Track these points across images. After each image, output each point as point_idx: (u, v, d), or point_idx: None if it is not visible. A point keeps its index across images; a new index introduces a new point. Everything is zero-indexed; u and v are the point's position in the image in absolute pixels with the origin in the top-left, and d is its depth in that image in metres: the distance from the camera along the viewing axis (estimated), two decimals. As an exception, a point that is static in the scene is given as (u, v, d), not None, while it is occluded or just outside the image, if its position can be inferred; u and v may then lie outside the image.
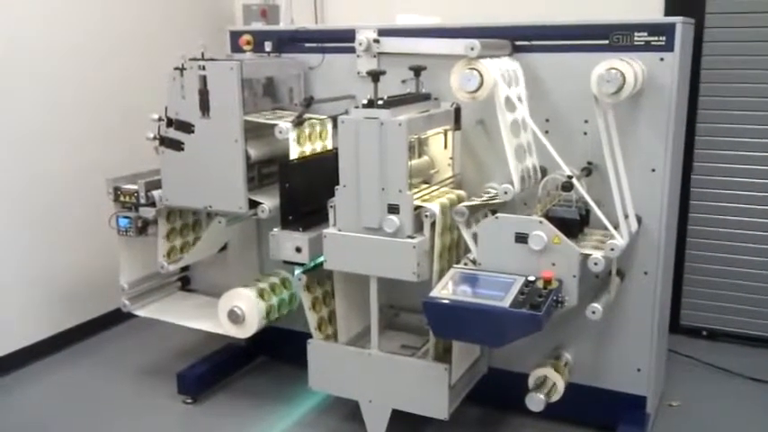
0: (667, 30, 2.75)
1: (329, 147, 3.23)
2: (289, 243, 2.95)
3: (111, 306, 4.10)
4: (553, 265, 2.50)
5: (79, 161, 4.08)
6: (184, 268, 3.73)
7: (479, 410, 3.34)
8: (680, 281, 4.06)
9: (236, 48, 3.50)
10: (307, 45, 3.45)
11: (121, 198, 3.33)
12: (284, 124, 2.97)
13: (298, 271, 3.05)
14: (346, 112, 2.90)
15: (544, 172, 2.90)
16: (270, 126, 3.03)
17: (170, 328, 3.53)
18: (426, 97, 3.05)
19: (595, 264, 2.49)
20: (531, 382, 2.91)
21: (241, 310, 3.22)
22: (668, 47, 2.75)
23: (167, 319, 3.49)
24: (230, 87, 3.01)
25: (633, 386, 3.08)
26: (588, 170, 2.90)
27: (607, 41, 2.83)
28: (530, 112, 2.78)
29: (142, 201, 3.29)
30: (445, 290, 2.54)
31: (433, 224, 2.71)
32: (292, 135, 2.98)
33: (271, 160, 3.22)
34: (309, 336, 3.09)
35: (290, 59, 3.45)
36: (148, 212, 3.31)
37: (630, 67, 2.57)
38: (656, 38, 2.76)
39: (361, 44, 3.26)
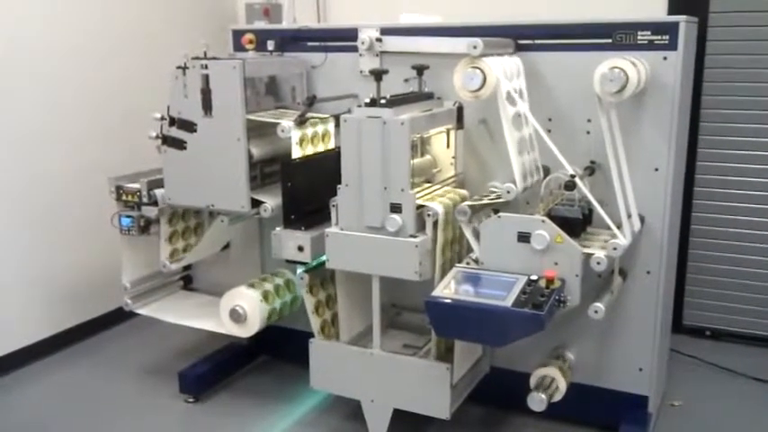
0: (671, 28, 2.74)
1: (331, 146, 3.22)
2: (291, 242, 2.95)
3: (113, 305, 4.10)
4: (555, 264, 2.50)
5: (80, 161, 4.08)
6: (186, 267, 3.73)
7: (481, 410, 3.34)
8: (683, 280, 4.05)
9: (239, 47, 3.50)
10: (309, 44, 3.44)
11: (124, 197, 3.33)
12: (287, 123, 2.97)
13: (300, 270, 3.05)
14: (349, 111, 2.89)
15: (547, 171, 2.90)
16: (272, 125, 3.02)
17: (172, 328, 3.53)
18: (429, 96, 3.04)
19: (598, 263, 2.49)
20: (532, 381, 2.91)
21: (243, 310, 3.21)
22: (671, 46, 2.75)
23: (169, 318, 3.49)
24: (233, 86, 3.01)
25: (635, 386, 3.07)
26: (591, 169, 2.89)
27: (610, 40, 2.83)
28: (532, 112, 2.77)
29: (144, 200, 3.29)
30: (447, 289, 2.53)
31: (435, 223, 2.70)
32: (295, 134, 2.98)
33: (273, 159, 3.22)
34: (311, 335, 3.09)
35: (293, 58, 3.45)
36: (151, 211, 3.31)
37: (633, 65, 2.56)
38: (659, 37, 2.76)
39: (363, 43, 3.25)
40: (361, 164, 2.70)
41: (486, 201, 2.80)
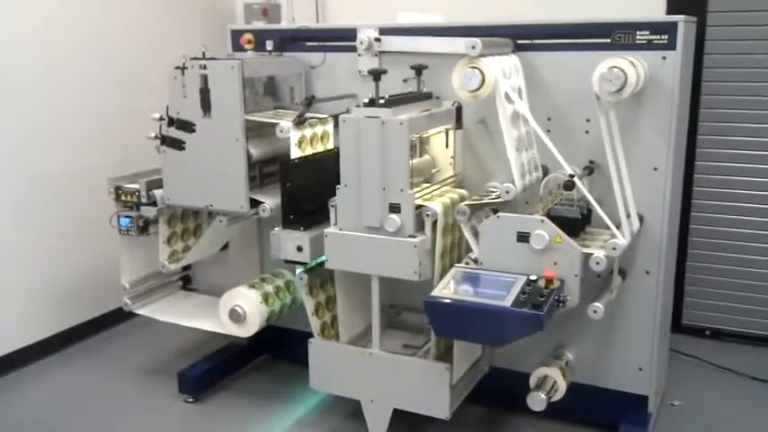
0: (669, 28, 2.74)
1: (330, 146, 3.22)
2: (290, 242, 2.95)
3: (112, 305, 4.10)
4: (555, 264, 2.50)
5: (79, 161, 4.08)
6: (185, 267, 3.73)
7: (481, 410, 3.34)
8: (682, 280, 4.05)
9: (238, 47, 3.50)
10: (308, 44, 3.44)
11: (123, 197, 3.33)
12: (285, 123, 2.97)
13: (299, 270, 3.05)
14: (347, 112, 2.89)
15: (546, 171, 2.90)
16: (271, 125, 3.02)
17: (171, 328, 3.53)
18: (428, 96, 3.05)
19: (597, 263, 2.49)
20: (532, 381, 2.90)
21: (242, 309, 3.21)
22: (670, 45, 2.75)
23: (168, 318, 3.49)
24: (231, 86, 3.01)
25: (635, 386, 3.07)
26: (590, 169, 2.89)
27: (609, 40, 2.83)
28: (531, 111, 2.77)
29: (143, 200, 3.29)
30: (446, 289, 2.53)
31: (434, 223, 2.70)
32: (293, 134, 2.98)
33: (272, 159, 3.22)
34: (311, 335, 3.09)
35: (292, 58, 3.45)
36: (150, 212, 3.31)
37: (632, 65, 2.56)
38: (658, 36, 2.76)
39: (362, 43, 3.25)
40: (359, 164, 2.70)
41: (485, 201, 2.80)
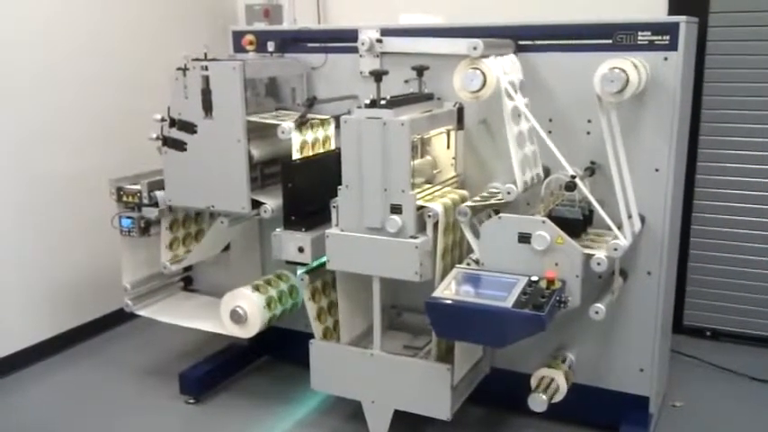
0: (671, 29, 2.74)
1: (332, 147, 3.22)
2: (291, 243, 2.95)
3: (114, 306, 4.10)
4: (556, 265, 2.50)
5: (80, 162, 4.08)
6: (187, 268, 3.73)
7: (482, 411, 3.34)
8: (683, 281, 4.05)
9: (239, 48, 3.50)
10: (309, 45, 3.45)
11: (124, 198, 3.33)
12: (287, 124, 2.97)
13: (300, 271, 3.05)
14: (349, 113, 2.89)
15: (547, 172, 2.90)
16: (272, 126, 3.03)
17: (172, 329, 3.52)
18: (429, 97, 3.05)
19: (598, 264, 2.49)
20: (533, 382, 2.90)
21: (243, 310, 3.21)
22: (672, 46, 2.75)
23: (169, 319, 3.49)
24: (233, 87, 3.01)
25: (636, 386, 3.07)
26: (591, 170, 2.89)
27: (611, 41, 2.83)
28: (533, 112, 2.77)
29: (145, 201, 3.29)
30: (448, 290, 2.53)
31: (435, 224, 2.70)
32: (295, 135, 2.98)
33: (273, 160, 3.22)
34: (312, 336, 3.09)
35: (293, 59, 3.45)
36: (151, 213, 3.31)
37: (634, 66, 2.56)
38: (659, 37, 2.76)
39: (363, 44, 3.25)
40: (361, 165, 2.70)
41: (486, 201, 2.80)
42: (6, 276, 3.81)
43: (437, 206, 2.71)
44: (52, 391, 3.69)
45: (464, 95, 2.71)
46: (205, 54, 3.12)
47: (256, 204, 3.11)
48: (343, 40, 3.34)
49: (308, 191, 2.97)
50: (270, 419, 3.38)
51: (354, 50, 3.30)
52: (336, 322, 3.11)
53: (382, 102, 2.71)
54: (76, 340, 4.17)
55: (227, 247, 3.61)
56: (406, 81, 3.11)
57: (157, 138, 3.19)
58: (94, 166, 4.07)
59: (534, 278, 2.49)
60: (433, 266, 2.73)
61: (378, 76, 2.75)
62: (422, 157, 3.09)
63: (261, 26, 4.07)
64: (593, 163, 2.91)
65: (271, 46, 3.44)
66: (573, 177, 2.61)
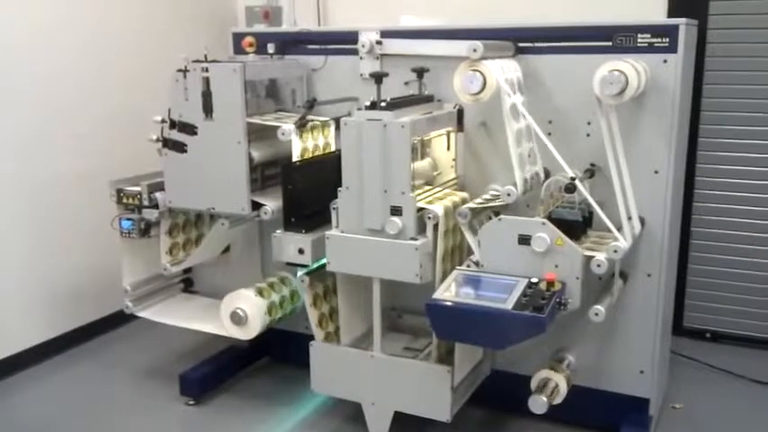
0: (670, 31, 2.75)
1: (332, 149, 3.22)
2: (291, 245, 2.95)
3: (114, 308, 4.10)
4: (556, 266, 2.50)
5: (81, 164, 4.08)
6: (187, 270, 3.73)
7: (482, 412, 3.34)
8: (683, 282, 4.05)
9: (239, 50, 3.50)
10: (309, 47, 3.45)
11: (124, 200, 3.33)
12: (287, 126, 2.98)
13: (300, 273, 3.05)
14: (349, 114, 2.89)
15: (547, 174, 2.90)
16: (273, 128, 3.03)
17: (172, 330, 3.52)
18: (429, 99, 3.05)
19: (598, 266, 2.49)
20: (533, 384, 2.90)
21: (244, 312, 3.21)
22: (671, 48, 2.75)
23: (170, 320, 3.49)
24: (233, 89, 3.02)
25: (636, 388, 3.07)
26: (591, 172, 2.89)
27: (610, 43, 2.83)
28: (532, 114, 2.77)
29: (145, 203, 3.29)
30: (448, 292, 2.54)
31: (435, 226, 2.70)
32: (295, 137, 2.98)
33: (273, 162, 3.22)
34: (312, 337, 3.09)
35: (293, 61, 3.45)
36: (151, 214, 3.31)
37: (633, 68, 2.56)
38: (659, 39, 2.76)
39: (363, 46, 3.26)
40: (361, 167, 2.70)
41: (486, 203, 2.80)
42: (7, 277, 3.81)
43: (437, 208, 2.71)
44: (53, 393, 3.68)
45: (464, 97, 2.71)
46: (205, 56, 3.12)
47: (256, 206, 3.12)
48: (344, 41, 3.34)
49: (308, 192, 2.97)
50: (270, 421, 3.38)
51: (354, 52, 3.30)
52: (338, 328, 3.11)
53: (382, 103, 2.71)
54: (77, 342, 4.17)
55: (227, 249, 3.61)
56: (406, 83, 3.12)
57: (158, 139, 3.19)
58: (95, 167, 4.07)
59: (534, 280, 2.49)
60: (434, 268, 2.73)
61: (378, 77, 2.75)
62: (422, 158, 3.09)
63: (261, 28, 4.07)
64: (592, 165, 2.92)
65: (271, 48, 3.44)
66: (573, 179, 2.62)
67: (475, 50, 2.62)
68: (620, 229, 2.63)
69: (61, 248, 4.06)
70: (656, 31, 2.77)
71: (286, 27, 4.27)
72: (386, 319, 3.19)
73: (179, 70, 3.08)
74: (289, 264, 3.03)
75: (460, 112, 3.06)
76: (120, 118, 4.25)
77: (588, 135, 2.93)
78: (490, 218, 2.71)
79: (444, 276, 2.70)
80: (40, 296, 3.99)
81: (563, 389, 2.88)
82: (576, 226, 2.67)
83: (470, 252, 2.77)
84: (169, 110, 3.14)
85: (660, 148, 2.84)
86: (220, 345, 3.80)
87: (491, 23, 3.05)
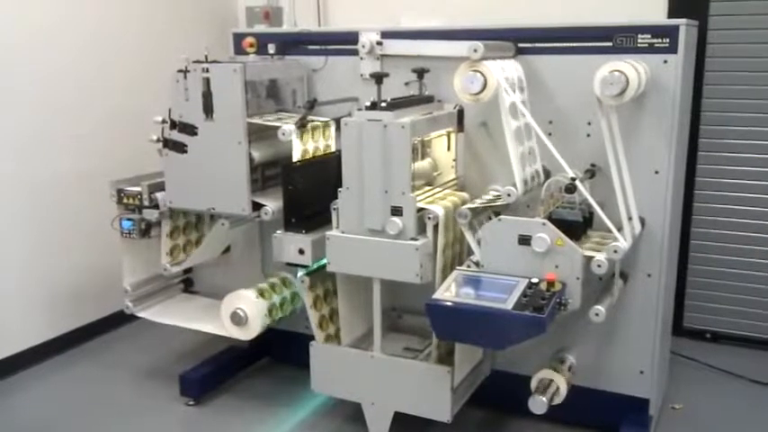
0: (671, 32, 2.75)
1: (332, 149, 3.23)
2: (292, 245, 2.95)
3: (114, 308, 4.10)
4: (556, 267, 2.50)
5: (81, 164, 4.09)
6: (187, 270, 3.73)
7: (482, 413, 3.34)
8: (683, 283, 4.05)
9: (240, 50, 3.51)
10: (310, 47, 3.45)
11: (125, 200, 3.33)
12: (287, 126, 2.98)
13: (300, 273, 3.05)
14: (349, 115, 2.90)
15: (547, 174, 2.90)
16: (273, 128, 3.03)
17: (172, 330, 3.52)
18: (429, 99, 3.05)
19: (599, 266, 2.49)
20: (533, 384, 2.90)
21: (244, 312, 3.21)
22: (672, 49, 2.75)
23: (170, 321, 3.49)
24: (234, 90, 3.02)
25: (636, 389, 3.07)
26: (591, 172, 2.89)
27: (610, 43, 2.84)
28: (533, 115, 2.78)
29: (145, 203, 3.29)
30: (448, 292, 2.54)
31: (435, 226, 2.70)
32: (295, 137, 2.98)
33: (274, 162, 3.23)
34: (312, 337, 3.09)
35: (294, 62, 3.45)
36: (152, 214, 3.31)
37: (634, 69, 2.56)
38: (659, 40, 2.76)
39: (364, 46, 3.26)
40: (361, 167, 2.70)
41: (486, 204, 2.80)
42: (7, 277, 3.81)
43: (437, 208, 2.71)
44: (53, 393, 3.69)
45: (464, 98, 2.71)
46: (206, 56, 3.12)
47: (257, 206, 3.12)
48: (344, 42, 3.34)
49: (308, 193, 2.97)
50: (270, 421, 3.38)
51: (355, 53, 3.30)
52: (339, 330, 3.11)
53: (383, 104, 2.71)
54: (77, 342, 4.17)
55: (227, 249, 3.62)
56: (407, 83, 3.12)
57: (158, 140, 3.19)
58: (95, 167, 4.07)
59: (534, 280, 2.49)
60: (434, 268, 2.73)
61: (378, 78, 2.75)
62: (422, 159, 3.09)
63: (261, 28, 4.07)
64: (593, 165, 2.92)
65: (271, 48, 3.45)
66: (573, 179, 2.62)
67: (475, 51, 2.62)
68: (620, 229, 2.63)
69: (61, 248, 4.06)
70: (656, 31, 2.77)
71: (286, 27, 4.27)
72: (386, 319, 3.19)
73: (179, 71, 3.08)
74: (289, 264, 3.03)
75: (461, 113, 3.07)
76: (121, 118, 4.25)
77: (588, 135, 2.93)
78: (490, 218, 2.71)
79: (444, 276, 2.70)
80: (41, 296, 3.99)
81: (563, 389, 2.88)
82: (577, 226, 2.67)
83: (470, 252, 2.77)
84: (169, 110, 3.15)
85: (660, 149, 2.84)
86: (220, 345, 3.80)
87: (491, 24, 3.05)
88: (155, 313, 3.56)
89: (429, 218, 2.70)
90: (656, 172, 2.86)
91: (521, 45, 2.98)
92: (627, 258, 2.72)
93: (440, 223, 2.70)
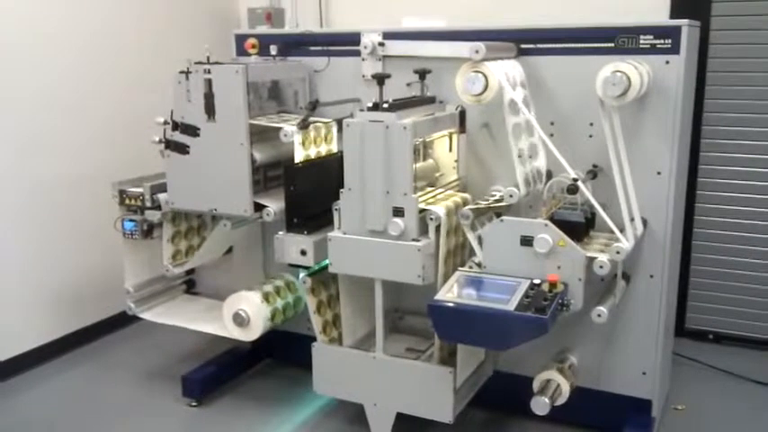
0: (673, 32, 2.75)
1: (334, 150, 3.23)
2: (294, 246, 2.95)
3: (116, 309, 4.11)
4: (558, 268, 2.50)
5: (83, 165, 4.09)
6: (189, 271, 3.73)
7: (484, 414, 3.34)
8: (686, 284, 4.05)
9: (242, 51, 3.51)
10: (312, 48, 3.45)
11: (127, 201, 3.33)
12: (289, 127, 2.98)
13: (302, 274, 3.05)
14: (351, 116, 2.90)
15: (549, 175, 2.90)
16: (275, 129, 3.03)
17: (175, 332, 3.53)
18: (431, 100, 3.05)
19: (601, 267, 2.49)
20: (536, 385, 2.90)
21: (246, 313, 3.22)
22: (674, 49, 2.75)
23: (172, 322, 3.50)
24: (236, 91, 3.02)
25: (638, 389, 3.07)
26: (593, 173, 2.89)
27: (613, 44, 2.83)
28: (535, 116, 2.78)
29: (148, 204, 3.29)
30: (450, 293, 2.54)
31: (437, 227, 2.70)
32: (297, 138, 2.98)
33: (276, 163, 3.22)
34: (314, 339, 3.09)
35: (296, 63, 3.46)
36: (154, 215, 3.31)
37: (636, 69, 2.56)
38: (661, 41, 2.76)
39: (366, 47, 3.26)
40: (363, 168, 2.70)
41: (488, 204, 2.80)
42: (9, 279, 3.82)
43: (439, 209, 2.71)
44: (55, 394, 3.69)
45: (466, 98, 2.71)
46: (208, 57, 3.12)
47: (259, 207, 3.12)
48: (346, 43, 3.34)
49: (310, 194, 2.97)
50: (272, 422, 3.38)
51: (357, 54, 3.30)
52: (336, 316, 3.12)
53: (385, 105, 2.71)
54: (79, 343, 4.17)
55: (229, 250, 3.62)
56: (409, 84, 3.12)
57: (160, 141, 3.19)
58: (97, 169, 4.08)
59: (536, 281, 2.49)
60: (436, 269, 2.73)
61: (380, 79, 2.75)
62: (424, 160, 3.09)
63: (263, 30, 4.08)
64: (595, 166, 2.92)
65: (273, 49, 3.45)
66: (575, 180, 2.62)
67: (477, 52, 2.62)
68: (622, 230, 2.63)
69: (63, 250, 4.06)
70: (658, 32, 2.77)
71: (288, 29, 4.27)
72: (388, 320, 3.19)
73: (181, 72, 3.09)
74: (291, 265, 3.03)
75: (463, 114, 3.07)
76: (123, 119, 4.25)
77: (591, 136, 2.93)
78: (492, 219, 2.70)
79: (446, 277, 2.70)
80: (43, 297, 4.00)
81: (565, 390, 2.88)
82: (579, 227, 2.67)
83: (472, 253, 2.77)
84: (171, 111, 3.15)
85: (662, 150, 2.83)
86: (223, 346, 3.80)
87: (493, 25, 3.05)
88: (157, 314, 3.56)
89: (431, 219, 2.70)
90: (659, 173, 2.86)
91: (522, 46, 2.98)
92: (629, 259, 2.72)
93: (442, 224, 2.70)
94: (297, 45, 3.48)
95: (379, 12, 4.40)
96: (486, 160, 3.13)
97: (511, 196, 2.66)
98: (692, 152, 3.32)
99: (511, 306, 2.39)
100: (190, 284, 3.85)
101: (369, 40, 3.25)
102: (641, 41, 2.79)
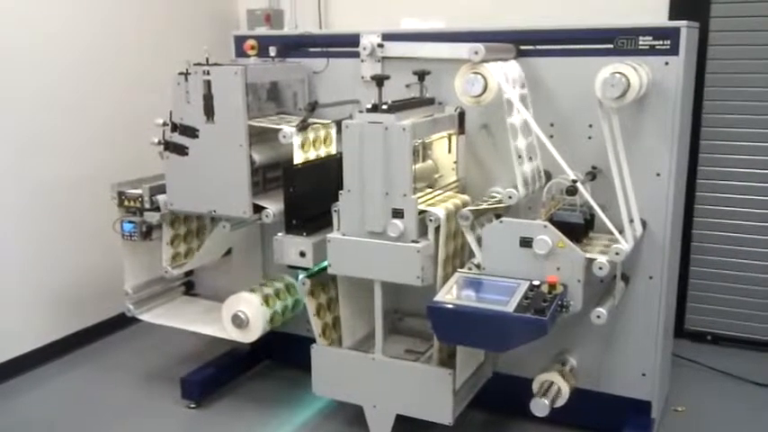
0: (672, 34, 2.75)
1: (333, 151, 3.23)
2: (293, 248, 2.95)
3: (115, 311, 4.10)
4: (558, 269, 2.50)
5: (82, 167, 4.09)
6: (188, 273, 3.73)
7: (484, 415, 3.34)
8: (685, 285, 4.05)
9: (241, 53, 3.51)
10: (311, 50, 3.45)
11: (126, 203, 3.33)
12: (288, 129, 2.98)
13: (302, 275, 3.05)
14: (350, 117, 2.90)
15: (549, 176, 2.90)
16: (274, 131, 3.03)
17: (174, 333, 3.53)
18: (430, 102, 3.05)
19: (600, 268, 2.49)
20: (535, 386, 2.90)
21: (245, 315, 3.22)
22: (673, 51, 2.75)
23: (171, 323, 3.49)
24: (235, 92, 3.02)
25: (638, 391, 3.07)
26: (593, 174, 2.89)
27: (612, 45, 2.84)
28: (534, 117, 2.78)
29: (147, 205, 3.29)
30: (449, 294, 2.54)
31: (437, 228, 2.70)
32: (296, 139, 2.98)
33: (275, 165, 3.22)
34: (313, 340, 3.09)
35: (295, 64, 3.46)
36: (153, 217, 3.31)
37: (635, 71, 2.56)
38: (660, 42, 2.76)
39: (365, 49, 3.26)
40: (362, 169, 2.70)
41: (488, 206, 2.80)
42: (9, 279, 3.81)
43: (439, 210, 2.71)
44: (54, 396, 3.69)
45: (465, 100, 2.71)
46: (207, 59, 3.12)
47: (258, 209, 3.12)
48: (345, 44, 3.34)
49: (309, 195, 2.97)
50: (272, 424, 3.38)
51: (356, 55, 3.30)
52: (336, 318, 3.12)
53: (384, 106, 2.71)
54: (78, 344, 4.17)
55: (228, 252, 3.62)
56: (408, 86, 3.12)
57: (159, 142, 3.19)
58: (97, 169, 4.08)
59: (536, 282, 2.49)
60: (435, 271, 2.73)
61: (379, 80, 2.75)
62: (423, 161, 3.09)
63: (262, 31, 4.08)
64: (594, 167, 2.92)
65: (272, 51, 3.45)
66: (574, 182, 2.62)
67: (476, 53, 2.62)
68: (621, 231, 2.63)
69: (62, 251, 4.06)
70: (657, 33, 2.77)
71: (287, 30, 4.27)
72: (387, 321, 3.19)
73: (180, 73, 3.08)
74: (290, 267, 3.03)
75: (462, 115, 3.07)
76: (122, 121, 4.25)
77: (590, 138, 2.93)
78: (491, 220, 2.70)
79: (446, 279, 2.70)
80: (42, 299, 3.99)
81: (565, 391, 2.88)
82: (578, 228, 2.67)
83: (472, 254, 2.76)
84: (170, 113, 3.14)
85: (662, 151, 2.84)
86: (222, 348, 3.80)
87: (492, 26, 3.05)
88: (156, 316, 3.56)
89: (430, 220, 2.70)
90: (658, 174, 2.86)
91: (522, 47, 2.98)
92: (628, 261, 2.72)
93: (441, 225, 2.70)
94: (296, 46, 3.48)
95: (378, 13, 4.40)
96: (486, 161, 3.13)
97: (510, 197, 2.66)
98: (691, 153, 3.32)
99: (510, 307, 2.39)
100: (189, 286, 3.85)
101: (368, 41, 3.25)
102: (640, 43, 2.79)
